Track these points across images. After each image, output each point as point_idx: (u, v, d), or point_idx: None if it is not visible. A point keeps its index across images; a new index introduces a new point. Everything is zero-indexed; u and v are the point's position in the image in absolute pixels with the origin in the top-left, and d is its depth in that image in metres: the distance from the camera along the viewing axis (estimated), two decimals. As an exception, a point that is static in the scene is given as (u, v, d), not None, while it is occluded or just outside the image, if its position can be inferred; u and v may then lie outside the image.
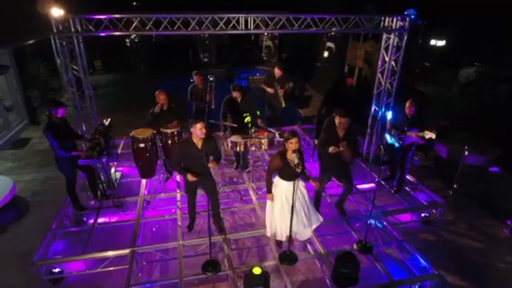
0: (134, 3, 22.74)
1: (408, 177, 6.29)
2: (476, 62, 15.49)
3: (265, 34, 17.61)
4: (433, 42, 16.57)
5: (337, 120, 4.63)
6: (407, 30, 5.83)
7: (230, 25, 5.28)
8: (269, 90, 7.32)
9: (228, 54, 19.02)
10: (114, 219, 5.33)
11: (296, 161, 3.81)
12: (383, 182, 6.24)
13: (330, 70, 14.91)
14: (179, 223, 5.02)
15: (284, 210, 4.16)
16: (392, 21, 5.84)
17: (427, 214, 5.61)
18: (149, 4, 19.94)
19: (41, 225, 5.09)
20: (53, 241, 4.85)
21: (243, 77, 15.16)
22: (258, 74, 15.89)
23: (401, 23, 5.85)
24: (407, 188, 6.18)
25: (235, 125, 5.73)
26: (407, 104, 5.55)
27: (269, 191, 4.24)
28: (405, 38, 5.91)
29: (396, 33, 5.93)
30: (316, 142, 6.48)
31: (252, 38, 20.96)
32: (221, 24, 5.20)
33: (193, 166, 4.36)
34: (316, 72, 14.13)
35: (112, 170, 6.52)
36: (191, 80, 7.21)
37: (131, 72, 17.35)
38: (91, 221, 5.18)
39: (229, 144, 5.57)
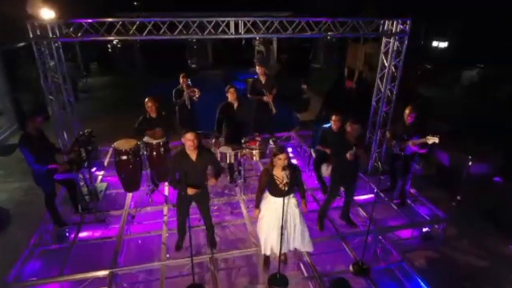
0: (135, 3, 22.41)
1: (409, 188, 5.97)
2: (479, 63, 15.16)
3: (257, 38, 17.04)
4: (435, 43, 16.22)
5: (348, 127, 4.52)
6: (408, 34, 5.50)
7: (220, 29, 4.96)
8: (265, 98, 6.80)
9: (225, 55, 18.56)
10: (96, 235, 5.03)
11: (284, 180, 3.50)
12: (382, 194, 5.92)
13: (330, 72, 14.64)
14: (164, 240, 4.72)
15: (270, 227, 3.86)
16: (392, 24, 5.52)
17: (429, 230, 5.29)
18: (150, 4, 19.55)
19: (21, 240, 4.78)
20: (30, 260, 4.55)
21: (241, 80, 14.84)
22: (256, 76, 15.56)
23: (402, 27, 5.53)
24: (407, 201, 5.87)
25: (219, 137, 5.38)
26: (407, 111, 5.26)
27: (257, 206, 3.97)
28: (406, 42, 5.59)
29: (397, 37, 5.61)
30: (312, 151, 6.18)
31: (243, 42, 20.17)
32: (209, 27, 4.89)
33: (189, 179, 4.06)
34: (315, 74, 13.79)
35: (99, 179, 6.24)
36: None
37: (127, 75, 17.04)
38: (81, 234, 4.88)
39: (218, 156, 5.25)
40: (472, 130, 9.24)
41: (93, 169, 6.41)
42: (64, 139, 5.20)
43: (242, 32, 4.99)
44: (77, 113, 5.41)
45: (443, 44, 16.14)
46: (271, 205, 3.83)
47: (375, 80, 6.22)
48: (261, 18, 4.97)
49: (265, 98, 6.81)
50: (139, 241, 4.93)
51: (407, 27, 5.49)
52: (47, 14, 8.52)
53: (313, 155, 6.07)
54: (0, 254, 4.82)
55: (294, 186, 3.77)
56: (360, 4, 12.01)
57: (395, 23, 5.47)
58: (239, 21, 4.95)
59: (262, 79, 6.87)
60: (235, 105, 5.64)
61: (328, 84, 12.65)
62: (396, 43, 5.71)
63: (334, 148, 4.64)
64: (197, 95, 6.77)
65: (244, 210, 5.38)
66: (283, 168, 3.55)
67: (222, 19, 4.87)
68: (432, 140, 4.85)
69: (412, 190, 5.99)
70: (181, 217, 4.46)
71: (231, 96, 5.59)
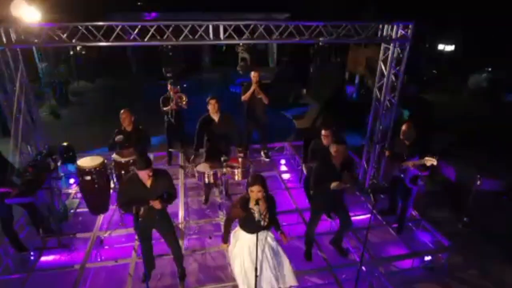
0: (139, 3, 21.94)
1: (411, 210, 5.40)
2: (487, 67, 14.47)
3: (240, 44, 16.00)
4: (441, 47, 15.53)
5: (333, 149, 3.94)
6: (409, 40, 4.93)
7: (197, 35, 4.44)
8: (253, 88, 6.30)
9: (223, 56, 17.83)
10: (59, 262, 4.52)
11: (256, 216, 2.96)
12: (379, 217, 5.36)
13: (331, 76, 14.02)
14: (131, 271, 4.21)
15: (245, 266, 3.31)
16: (392, 29, 4.94)
17: (431, 259, 4.71)
18: (153, 3, 19.00)
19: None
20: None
21: (237, 83, 14.30)
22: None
23: (403, 32, 4.96)
24: (409, 224, 5.29)
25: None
26: (404, 128, 4.72)
27: (224, 239, 3.46)
28: (407, 49, 5.01)
29: (397, 43, 5.04)
30: (304, 167, 5.62)
31: (223, 48, 18.58)
32: (186, 31, 4.37)
33: (143, 208, 3.56)
34: (314, 79, 13.21)
35: (72, 195, 5.75)
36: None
37: (119, 79, 16.55)
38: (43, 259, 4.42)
39: (196, 175, 4.73)
40: (481, 140, 8.62)
41: (71, 183, 5.98)
42: (26, 157, 4.66)
43: (223, 38, 4.46)
44: (67, 117, 4.91)
45: (450, 48, 15.44)
46: (243, 243, 3.29)
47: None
48: (243, 22, 4.43)
49: (250, 90, 6.36)
50: (105, 272, 4.41)
51: (409, 32, 4.92)
52: (32, 16, 8.10)
53: (304, 171, 5.51)
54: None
55: (272, 220, 3.25)
56: (359, 7, 11.37)
57: (395, 27, 4.90)
58: (220, 26, 4.42)
59: (254, 80, 6.37)
60: (216, 118, 5.12)
61: (328, 91, 12.06)
62: (397, 50, 5.14)
63: (318, 174, 4.06)
64: (184, 102, 6.27)
65: (225, 235, 4.84)
66: (256, 202, 3.01)
67: (200, 23, 4.34)
68: (430, 161, 4.32)
69: (414, 212, 5.41)
70: (144, 245, 3.95)
71: (212, 108, 5.07)
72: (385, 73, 5.27)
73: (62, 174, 5.22)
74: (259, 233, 3.04)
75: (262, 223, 3.05)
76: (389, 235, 5.13)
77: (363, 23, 4.83)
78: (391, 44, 5.06)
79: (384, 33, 5.00)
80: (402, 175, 4.84)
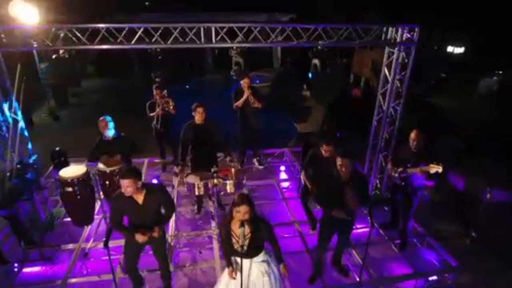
0: (146, 3, 21.73)
1: (413, 223, 5.07)
2: (498, 70, 13.97)
3: (234, 48, 15.52)
4: (450, 49, 15.04)
5: (338, 162, 3.53)
6: (415, 43, 4.61)
7: (188, 37, 4.18)
8: (246, 95, 5.99)
9: (226, 58, 17.49)
10: (40, 277, 4.29)
11: (240, 239, 2.67)
12: (381, 231, 5.04)
13: (335, 78, 13.67)
14: (114, 288, 3.96)
15: None
16: (397, 32, 4.63)
17: (437, 278, 4.39)
18: (162, 3, 18.66)
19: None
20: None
21: (240, 86, 14.04)
22: (257, 82, 14.72)
23: (408, 35, 4.63)
24: (413, 240, 4.96)
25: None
26: (412, 136, 4.38)
27: (227, 264, 3.07)
28: (413, 53, 4.69)
29: (402, 47, 4.72)
30: (302, 175, 5.32)
31: (216, 52, 17.93)
32: (175, 33, 4.11)
33: (139, 223, 3.33)
34: (318, 81, 12.88)
35: (59, 203, 5.53)
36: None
37: (124, 78, 16.39)
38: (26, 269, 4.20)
39: (185, 186, 4.47)
40: (492, 147, 8.22)
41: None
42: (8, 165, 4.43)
43: (214, 41, 4.19)
44: (66, 119, 4.70)
45: (459, 50, 14.96)
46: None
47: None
48: (236, 25, 4.16)
49: (245, 95, 6.02)
50: (88, 287, 4.17)
51: (415, 36, 4.59)
52: (31, 17, 7.91)
53: (302, 180, 5.21)
54: None
55: (257, 247, 2.94)
56: (362, 9, 10.97)
57: (400, 30, 4.58)
58: (212, 28, 4.15)
59: (246, 93, 6.07)
60: (202, 125, 4.84)
61: (333, 92, 11.71)
62: (402, 54, 4.82)
63: (320, 189, 3.73)
64: (171, 107, 6.02)
65: (216, 249, 4.58)
66: (241, 224, 2.72)
67: (191, 25, 4.09)
68: (434, 168, 4.01)
69: (419, 228, 5.08)
70: (129, 262, 3.72)
71: (198, 116, 4.77)
72: (389, 78, 4.95)
73: (43, 185, 4.97)
74: (244, 261, 2.75)
75: (243, 249, 2.76)
76: (391, 252, 4.80)
77: (365, 25, 4.53)
78: (396, 48, 4.74)
79: (388, 36, 4.69)
80: (403, 183, 4.53)
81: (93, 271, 4.35)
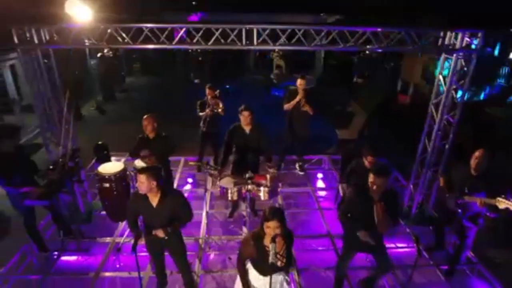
0: (193, 3, 22.18)
1: (468, 253, 4.57)
2: None
3: (275, 50, 15.05)
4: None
5: (371, 179, 3.22)
6: (478, 51, 4.14)
7: (229, 39, 4.09)
8: (298, 97, 5.81)
9: (267, 59, 17.30)
10: (76, 267, 4.44)
11: (271, 256, 2.51)
12: (425, 254, 4.62)
13: (381, 84, 13.02)
14: (144, 284, 3.98)
15: None
16: (456, 37, 4.19)
17: (487, 314, 3.94)
18: (208, 3, 18.98)
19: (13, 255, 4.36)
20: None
21: (281, 87, 13.85)
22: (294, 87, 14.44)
23: (469, 40, 4.18)
24: (462, 267, 4.49)
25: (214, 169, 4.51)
26: (477, 155, 3.83)
27: (245, 284, 2.94)
28: (474, 61, 4.23)
29: (461, 55, 4.27)
30: (340, 187, 5.04)
31: (256, 54, 17.59)
32: (217, 34, 4.04)
33: (153, 225, 3.31)
34: (363, 86, 12.33)
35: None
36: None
37: (166, 77, 16.83)
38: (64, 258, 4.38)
39: (219, 190, 4.39)
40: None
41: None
42: (53, 157, 4.63)
43: (256, 43, 4.06)
44: (112, 113, 4.85)
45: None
46: (252, 283, 2.86)
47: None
48: (280, 27, 4.00)
49: (298, 97, 5.85)
50: (119, 281, 4.25)
51: (477, 42, 4.13)
52: (85, 16, 8.34)
53: (340, 192, 4.94)
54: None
55: (289, 261, 2.78)
56: (417, 10, 10.20)
57: (460, 35, 4.14)
58: (253, 30, 4.03)
59: (301, 88, 5.89)
60: (247, 129, 4.72)
61: (378, 98, 11.15)
62: (460, 61, 4.37)
63: (348, 205, 3.46)
64: (220, 109, 5.97)
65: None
66: (272, 240, 2.56)
67: (232, 26, 3.99)
68: (505, 205, 3.46)
69: (470, 254, 4.59)
70: (156, 263, 3.74)
71: (244, 120, 4.64)
72: (445, 88, 4.51)
73: (84, 178, 5.15)
74: (273, 276, 2.60)
75: (278, 263, 2.61)
76: (435, 278, 4.37)
77: (421, 29, 4.15)
78: (454, 55, 4.30)
79: (446, 42, 4.27)
80: (459, 211, 4.07)
81: (125, 266, 4.43)
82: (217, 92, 6.07)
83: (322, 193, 6.30)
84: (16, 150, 3.99)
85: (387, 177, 3.19)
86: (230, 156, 4.92)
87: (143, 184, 3.04)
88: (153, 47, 4.07)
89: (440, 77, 4.57)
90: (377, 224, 3.22)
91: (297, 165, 6.78)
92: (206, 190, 5.59)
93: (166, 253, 3.75)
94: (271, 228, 2.60)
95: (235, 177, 4.45)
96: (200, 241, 4.70)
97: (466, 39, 4.18)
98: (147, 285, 4.07)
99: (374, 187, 3.17)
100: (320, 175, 6.86)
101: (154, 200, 3.20)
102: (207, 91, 6.03)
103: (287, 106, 6.03)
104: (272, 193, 4.29)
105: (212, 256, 4.63)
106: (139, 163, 4.48)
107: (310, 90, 6.32)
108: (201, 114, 6.09)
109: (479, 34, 4.07)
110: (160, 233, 3.21)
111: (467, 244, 4.25)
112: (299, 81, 5.95)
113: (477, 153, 3.85)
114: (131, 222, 3.31)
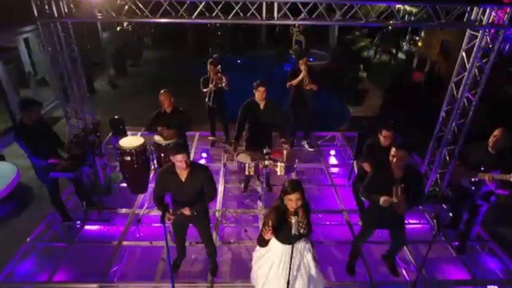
0: None
1: (478, 229, 4.64)
2: None
3: (295, 25, 14.81)
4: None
5: (392, 152, 3.26)
6: (506, 27, 4.01)
7: (249, 13, 4.02)
8: (302, 75, 5.84)
9: (280, 34, 16.93)
10: (98, 236, 4.66)
11: (293, 228, 2.59)
12: (440, 233, 4.68)
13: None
14: (164, 256, 4.17)
15: (273, 283, 3.01)
16: (484, 13, 4.05)
17: (497, 288, 4.04)
18: None
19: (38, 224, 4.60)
20: (28, 256, 4.29)
21: (293, 62, 13.63)
22: (312, 60, 14.17)
23: (497, 16, 4.04)
24: (474, 244, 4.57)
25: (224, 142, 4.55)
26: (496, 133, 3.84)
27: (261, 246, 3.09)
28: (501, 38, 4.10)
29: (487, 31, 4.14)
30: (355, 164, 5.09)
31: (276, 29, 17.23)
32: (236, 8, 3.97)
33: (181, 200, 3.41)
34: (377, 62, 12.05)
35: (118, 168, 5.88)
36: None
37: (179, 50, 16.64)
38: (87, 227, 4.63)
39: (236, 164, 4.47)
40: None
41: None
42: (74, 131, 4.74)
43: (277, 17, 3.98)
44: (124, 88, 4.87)
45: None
46: (274, 252, 2.98)
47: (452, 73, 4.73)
48: (301, 0, 3.90)
49: (302, 75, 5.86)
50: (139, 250, 4.45)
51: (506, 18, 3.98)
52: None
53: (355, 170, 4.98)
54: (13, 239, 4.60)
55: (309, 229, 2.88)
56: None
57: (487, 10, 4.00)
58: (274, 3, 3.94)
59: (303, 73, 5.85)
60: (262, 105, 4.73)
61: (392, 75, 10.93)
62: (486, 38, 4.24)
63: (370, 181, 3.50)
64: (224, 83, 5.97)
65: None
66: (294, 213, 2.64)
67: (251, 0, 3.91)
68: None
69: (481, 231, 4.66)
70: (178, 236, 3.88)
71: (259, 95, 4.64)
72: (467, 65, 4.41)
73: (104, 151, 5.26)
74: (296, 244, 2.71)
75: (301, 230, 2.72)
76: (447, 254, 4.48)
77: (446, 4, 4.01)
78: (480, 32, 4.18)
79: (472, 17, 4.13)
80: (473, 188, 4.10)
81: (145, 236, 4.64)
82: (218, 67, 6.05)
83: (335, 170, 6.35)
84: (41, 122, 4.08)
85: (408, 150, 3.21)
86: (244, 131, 4.98)
87: (182, 162, 3.10)
88: (172, 21, 4.03)
89: (464, 53, 4.46)
90: (394, 205, 3.26)
91: (304, 142, 6.81)
92: (224, 164, 5.67)
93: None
94: (292, 200, 2.69)
95: (251, 152, 4.51)
96: (217, 213, 4.84)
97: (494, 14, 4.04)
98: (167, 255, 4.25)
99: (395, 159, 3.19)
100: (332, 152, 6.89)
101: (183, 175, 3.27)
102: (209, 66, 6.00)
103: (290, 83, 6.04)
104: (289, 168, 4.35)
105: (228, 227, 4.79)
106: (159, 138, 4.56)
107: (316, 68, 6.26)
108: (205, 90, 6.11)
109: (508, 10, 3.92)
110: (186, 211, 3.31)
111: (477, 221, 4.30)
112: (301, 60, 5.94)
113: (496, 132, 3.87)
114: (158, 198, 3.38)
